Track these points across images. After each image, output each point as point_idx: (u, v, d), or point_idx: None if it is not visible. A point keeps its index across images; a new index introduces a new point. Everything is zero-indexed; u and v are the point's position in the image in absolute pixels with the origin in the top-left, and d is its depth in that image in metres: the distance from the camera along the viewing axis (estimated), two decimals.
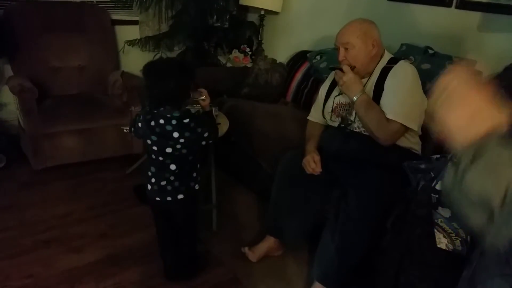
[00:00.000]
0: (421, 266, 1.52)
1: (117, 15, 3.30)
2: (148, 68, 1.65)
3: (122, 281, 1.87)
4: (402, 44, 2.36)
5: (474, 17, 2.12)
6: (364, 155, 1.82)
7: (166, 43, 3.35)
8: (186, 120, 1.61)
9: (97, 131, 2.78)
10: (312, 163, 1.87)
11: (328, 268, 1.74)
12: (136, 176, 2.71)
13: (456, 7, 2.18)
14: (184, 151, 1.66)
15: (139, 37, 3.32)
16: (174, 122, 1.60)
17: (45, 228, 2.18)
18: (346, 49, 1.83)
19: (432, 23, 2.32)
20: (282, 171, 2.03)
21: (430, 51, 2.20)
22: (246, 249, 2.02)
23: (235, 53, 3.48)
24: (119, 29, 3.31)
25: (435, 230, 0.84)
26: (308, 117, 2.15)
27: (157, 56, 3.33)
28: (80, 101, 2.86)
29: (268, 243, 2.03)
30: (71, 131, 2.70)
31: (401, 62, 1.85)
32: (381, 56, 1.89)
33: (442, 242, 0.85)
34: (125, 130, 2.18)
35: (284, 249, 2.07)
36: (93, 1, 3.22)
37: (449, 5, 2.21)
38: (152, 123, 1.62)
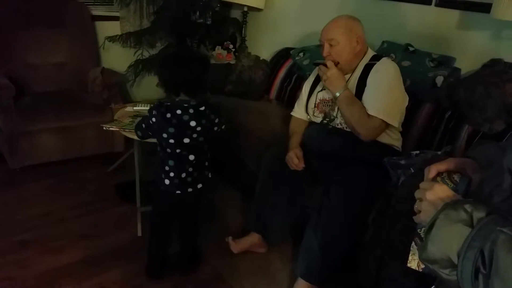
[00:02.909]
0: (402, 260, 1.54)
1: (97, 11, 3.24)
2: (167, 55, 1.72)
3: (104, 281, 1.84)
4: (383, 42, 2.39)
5: (453, 15, 2.15)
6: (346, 151, 1.84)
7: (147, 39, 3.30)
8: (202, 108, 1.66)
9: (77, 129, 2.73)
10: (295, 159, 1.88)
11: (311, 264, 1.75)
12: (118, 175, 2.67)
13: (436, 5, 2.21)
14: (201, 139, 1.70)
15: (120, 33, 3.27)
16: (191, 111, 1.64)
17: (23, 229, 2.13)
18: (330, 45, 1.84)
19: (413, 20, 2.35)
20: (265, 167, 2.04)
21: (411, 48, 2.23)
22: (229, 239, 2.01)
23: (218, 49, 3.46)
24: (99, 25, 3.26)
25: (412, 244, 0.85)
26: (292, 113, 2.16)
27: (139, 52, 3.29)
28: (59, 99, 2.80)
29: (252, 238, 2.03)
30: (50, 129, 2.65)
31: (384, 59, 1.87)
32: (365, 53, 1.91)
33: (414, 260, 0.86)
34: (105, 128, 2.15)
35: (268, 247, 2.07)
36: None
37: (429, 3, 2.23)
38: (168, 115, 1.63)
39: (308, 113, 2.06)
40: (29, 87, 2.84)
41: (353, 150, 1.82)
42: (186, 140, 1.66)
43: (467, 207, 0.64)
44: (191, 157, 1.71)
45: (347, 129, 1.85)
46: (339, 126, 1.90)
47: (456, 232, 0.63)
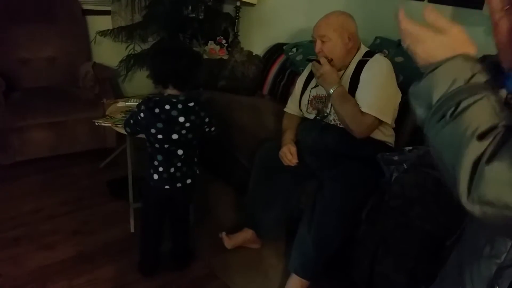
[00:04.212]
0: (395, 256, 1.55)
1: (88, 5, 3.20)
2: (160, 47, 1.72)
3: (96, 278, 1.83)
4: (376, 37, 2.39)
5: (446, 10, 2.15)
6: (339, 147, 1.84)
7: (139, 33, 3.27)
8: (191, 104, 1.65)
9: (68, 124, 2.70)
10: (289, 155, 1.88)
11: (305, 260, 1.75)
12: (110, 171, 2.65)
13: (429, 1, 2.21)
14: (189, 135, 1.68)
15: (111, 28, 3.23)
16: (180, 106, 1.62)
17: (14, 225, 2.11)
18: (322, 41, 1.83)
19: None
20: (259, 163, 2.04)
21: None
22: (223, 234, 2.01)
23: (211, 44, 3.43)
24: (90, 19, 3.21)
25: None
26: (285, 109, 2.15)
27: (130, 47, 3.25)
28: (50, 94, 2.77)
29: (246, 234, 2.03)
30: (41, 125, 2.62)
31: (377, 56, 1.87)
32: (358, 49, 1.91)
33: None
34: (96, 123, 2.13)
35: (261, 243, 2.07)
36: None
37: None
38: (157, 110, 1.62)
39: (301, 110, 2.05)
40: (19, 82, 2.80)
41: (346, 146, 1.82)
42: (175, 136, 1.65)
43: (477, 68, 0.64)
44: (180, 152, 1.70)
45: (341, 126, 1.85)
46: (333, 123, 1.90)
47: (450, 79, 0.63)
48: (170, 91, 1.66)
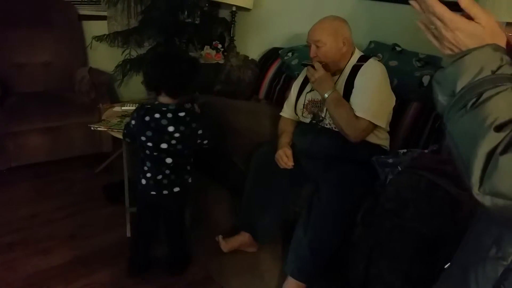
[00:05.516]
0: (390, 258, 1.56)
1: (84, 10, 3.21)
2: (157, 53, 1.69)
3: (92, 282, 1.83)
4: (370, 42, 2.41)
5: None
6: (335, 151, 1.85)
7: (135, 38, 3.28)
8: (182, 114, 1.62)
9: (64, 129, 2.70)
10: (285, 157, 1.89)
11: (301, 263, 1.76)
12: (106, 176, 2.65)
13: None
14: (179, 146, 1.65)
15: (107, 33, 3.24)
16: (169, 115, 1.60)
17: (9, 230, 2.10)
18: (317, 46, 1.85)
19: (399, 20, 2.37)
20: (255, 167, 2.04)
21: (398, 48, 2.25)
22: (220, 238, 2.01)
23: (207, 49, 3.45)
24: (86, 24, 3.22)
25: None
26: (281, 113, 2.16)
27: (126, 52, 3.26)
28: (46, 99, 2.77)
29: (242, 237, 2.04)
30: (37, 130, 2.61)
31: (371, 61, 1.89)
32: (352, 54, 1.92)
33: None
34: (92, 128, 2.13)
35: (258, 246, 2.08)
36: None
37: None
38: (147, 118, 1.61)
39: (297, 114, 2.07)
40: (15, 87, 2.80)
41: (341, 149, 1.83)
42: (164, 146, 1.63)
43: (505, 59, 0.63)
44: (169, 160, 1.67)
45: (336, 129, 1.86)
46: (328, 126, 1.91)
47: (477, 68, 0.62)
48: (162, 98, 1.63)
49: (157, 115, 1.60)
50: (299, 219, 1.84)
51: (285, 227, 1.99)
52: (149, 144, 1.64)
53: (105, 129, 2.12)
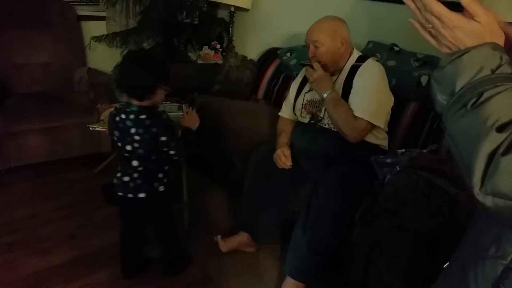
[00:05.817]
0: (389, 258, 1.56)
1: (83, 11, 3.22)
2: (127, 54, 1.65)
3: (91, 282, 1.83)
4: (369, 42, 2.41)
5: None
6: (333, 150, 1.85)
7: (134, 39, 3.28)
8: (143, 116, 1.58)
9: (63, 129, 2.70)
10: (283, 157, 1.89)
11: (300, 263, 1.76)
12: (105, 176, 2.65)
13: None
14: (140, 151, 1.61)
15: (106, 33, 3.24)
16: (132, 116, 1.59)
17: (8, 231, 2.10)
18: (315, 46, 1.85)
19: (397, 20, 2.38)
20: (253, 167, 2.05)
21: (396, 48, 2.26)
22: (218, 238, 2.02)
23: (206, 49, 3.45)
24: (85, 25, 3.22)
25: None
26: (280, 113, 2.17)
27: (125, 53, 3.25)
28: (45, 99, 2.77)
29: (241, 237, 2.04)
30: (36, 130, 2.61)
31: (369, 61, 1.89)
32: (350, 54, 1.92)
33: None
34: (91, 128, 2.13)
35: (257, 246, 2.08)
36: None
37: None
38: (117, 118, 1.61)
39: (295, 114, 2.07)
40: (14, 87, 2.80)
41: (340, 149, 1.84)
42: (128, 147, 1.61)
43: (504, 58, 0.62)
44: (135, 163, 1.64)
45: (335, 129, 1.87)
46: (327, 126, 1.91)
47: (477, 67, 0.62)
48: (132, 100, 1.61)
49: (123, 116, 1.60)
50: (298, 219, 1.84)
51: (284, 227, 1.99)
52: (119, 144, 1.65)
53: (104, 129, 2.12)
